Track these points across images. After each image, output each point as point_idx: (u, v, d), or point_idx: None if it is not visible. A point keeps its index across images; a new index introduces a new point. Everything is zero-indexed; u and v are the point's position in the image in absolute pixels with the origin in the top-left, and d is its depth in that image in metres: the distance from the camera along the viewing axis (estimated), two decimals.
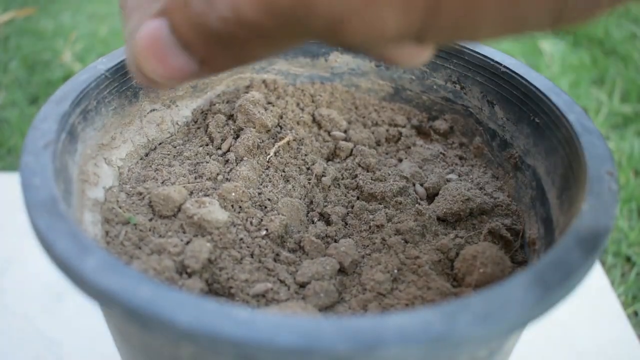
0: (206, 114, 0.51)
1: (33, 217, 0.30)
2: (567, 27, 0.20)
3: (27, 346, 0.56)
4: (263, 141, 0.47)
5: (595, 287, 0.66)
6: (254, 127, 0.48)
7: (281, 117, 0.51)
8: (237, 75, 0.53)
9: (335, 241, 0.41)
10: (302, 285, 0.38)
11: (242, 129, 0.48)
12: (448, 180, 0.47)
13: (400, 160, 0.50)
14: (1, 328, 0.58)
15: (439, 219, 0.44)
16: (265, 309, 0.35)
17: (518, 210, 0.44)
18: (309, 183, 0.45)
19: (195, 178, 0.44)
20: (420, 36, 0.20)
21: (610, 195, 0.32)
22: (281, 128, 0.50)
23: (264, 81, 0.54)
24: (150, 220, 0.40)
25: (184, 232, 0.39)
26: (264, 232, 0.40)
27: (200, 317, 0.25)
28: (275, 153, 0.47)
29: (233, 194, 0.41)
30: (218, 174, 0.44)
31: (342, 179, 0.47)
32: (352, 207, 0.44)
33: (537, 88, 0.43)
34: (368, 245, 0.41)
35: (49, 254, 0.29)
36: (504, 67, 0.46)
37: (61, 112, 0.37)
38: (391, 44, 0.20)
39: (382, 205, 0.44)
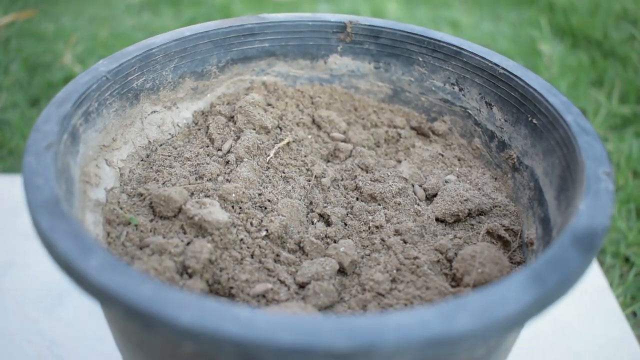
0: (207, 115, 0.51)
1: (35, 216, 0.30)
2: None
3: (29, 347, 0.57)
4: (263, 142, 0.48)
5: (594, 287, 0.66)
6: (254, 129, 0.48)
7: (281, 119, 0.51)
8: (237, 77, 0.54)
9: (335, 242, 0.42)
10: (302, 286, 0.38)
11: (242, 131, 0.48)
12: (447, 181, 0.47)
13: (399, 162, 0.50)
14: (3, 329, 0.58)
15: (437, 219, 0.44)
16: (266, 308, 0.35)
17: (516, 211, 0.45)
18: (309, 184, 0.46)
19: (196, 179, 0.44)
20: None
21: (607, 195, 0.33)
22: (281, 129, 0.50)
23: (264, 83, 0.54)
24: (151, 221, 0.41)
25: (185, 233, 0.39)
26: (264, 233, 0.40)
27: (201, 316, 0.25)
28: (275, 154, 0.47)
29: (233, 194, 0.42)
30: (218, 175, 0.44)
31: (342, 179, 0.47)
32: (352, 207, 0.45)
33: (534, 89, 0.43)
34: (367, 246, 0.42)
35: (51, 254, 0.29)
36: (502, 68, 0.47)
37: (63, 114, 0.37)
38: None
39: (381, 206, 0.44)
